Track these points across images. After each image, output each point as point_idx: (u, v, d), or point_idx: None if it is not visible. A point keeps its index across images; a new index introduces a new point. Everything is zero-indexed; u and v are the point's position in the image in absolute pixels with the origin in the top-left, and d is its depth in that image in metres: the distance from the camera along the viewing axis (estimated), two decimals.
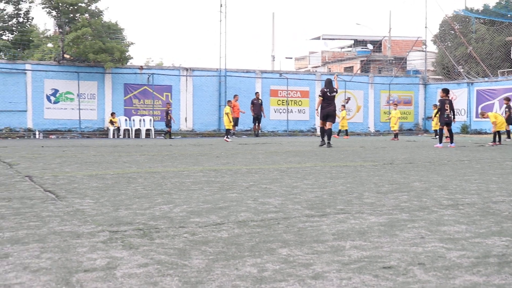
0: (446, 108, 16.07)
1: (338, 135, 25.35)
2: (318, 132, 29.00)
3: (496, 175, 7.30)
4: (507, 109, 21.02)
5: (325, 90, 15.97)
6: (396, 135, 23.54)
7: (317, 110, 16.60)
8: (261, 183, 6.24)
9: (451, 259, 2.84)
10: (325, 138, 15.88)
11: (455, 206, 4.59)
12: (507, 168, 8.47)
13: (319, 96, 16.21)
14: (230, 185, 6.03)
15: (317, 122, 29.93)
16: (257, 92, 27.72)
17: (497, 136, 17.70)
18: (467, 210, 4.39)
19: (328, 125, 15.93)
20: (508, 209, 4.44)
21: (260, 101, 27.07)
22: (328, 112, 15.92)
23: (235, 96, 26.28)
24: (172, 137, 25.12)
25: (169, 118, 25.03)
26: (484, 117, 19.23)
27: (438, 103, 16.92)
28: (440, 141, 16.11)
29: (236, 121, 25.58)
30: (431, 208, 4.48)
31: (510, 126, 20.70)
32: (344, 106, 27.13)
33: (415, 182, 6.38)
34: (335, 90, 16.06)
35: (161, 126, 27.39)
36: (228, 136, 21.27)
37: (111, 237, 3.35)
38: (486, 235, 3.43)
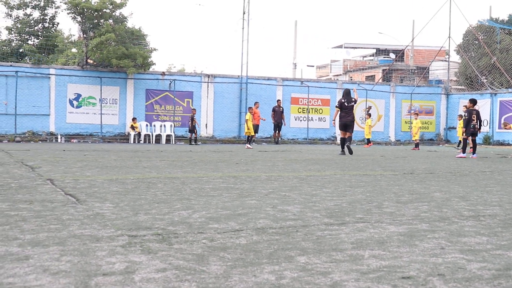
0: (473, 118, 15.98)
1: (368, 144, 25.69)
2: (338, 141, 28.94)
3: None
4: None
5: (343, 100, 16.22)
6: (417, 145, 23.34)
7: (333, 121, 17.10)
8: (280, 191, 6.23)
9: (472, 270, 2.80)
10: (345, 148, 15.99)
11: (476, 218, 4.54)
12: None
13: (336, 107, 16.52)
14: (249, 192, 6.04)
15: (337, 131, 29.89)
16: (279, 100, 27.71)
17: None
18: (488, 222, 4.33)
19: (347, 134, 16.11)
20: None
21: (281, 108, 27.06)
22: (346, 122, 16.12)
23: (255, 103, 26.28)
24: (198, 142, 25.16)
25: (193, 124, 25.11)
26: (506, 128, 19.01)
27: (465, 114, 16.74)
28: (464, 151, 16.00)
29: (256, 128, 25.56)
30: (452, 219, 4.43)
31: None
32: (369, 114, 27.00)
33: (436, 193, 6.32)
34: (353, 100, 16.27)
35: (182, 132, 27.51)
36: (249, 143, 21.29)
37: (130, 241, 3.37)
38: (507, 247, 3.38)
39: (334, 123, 17.07)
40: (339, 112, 16.28)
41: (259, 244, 3.34)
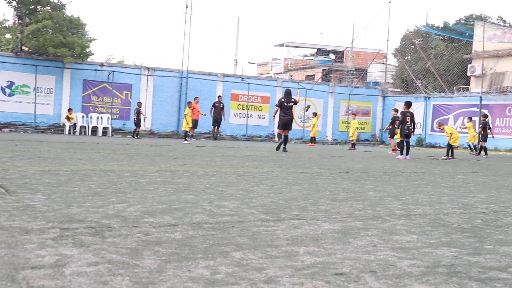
0: (407, 120, 16.47)
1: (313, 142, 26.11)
2: (277, 138, 29.15)
3: (448, 188, 7.46)
4: (481, 126, 21.49)
5: (283, 100, 16.86)
6: (353, 145, 23.83)
7: (273, 117, 18.15)
8: (218, 186, 6.22)
9: (402, 267, 2.88)
10: (282, 144, 16.78)
11: (407, 216, 4.67)
12: (458, 181, 8.68)
13: (276, 105, 17.23)
14: (186, 187, 5.99)
15: (276, 129, 30.12)
16: (220, 96, 27.65)
17: (450, 150, 18.12)
18: (419, 221, 4.46)
19: (285, 132, 16.84)
20: (458, 221, 4.54)
21: (222, 104, 27.03)
22: (286, 121, 16.77)
23: (195, 98, 26.15)
24: (138, 136, 24.88)
25: (139, 117, 24.78)
26: (441, 128, 19.56)
27: (399, 115, 17.37)
28: (401, 153, 16.45)
29: (195, 123, 25.45)
30: (384, 218, 4.54)
31: (486, 142, 21.22)
32: (315, 114, 27.36)
33: (370, 192, 6.47)
34: (293, 100, 16.89)
35: (119, 124, 27.07)
36: (187, 138, 21.16)
37: (61, 234, 3.28)
38: (436, 246, 3.49)
39: (274, 118, 17.87)
40: (278, 110, 16.89)
41: (195, 239, 3.32)
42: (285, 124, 16.78)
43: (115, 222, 3.73)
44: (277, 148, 16.82)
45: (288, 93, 16.94)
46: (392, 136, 21.15)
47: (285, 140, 16.82)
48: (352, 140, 24.14)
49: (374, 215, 4.64)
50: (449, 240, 3.69)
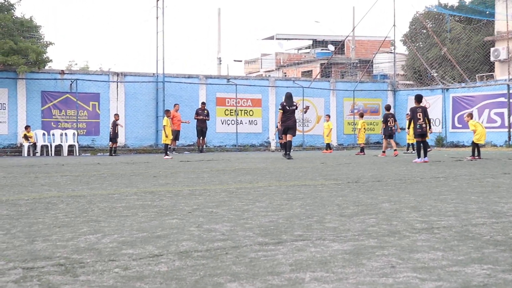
0: (418, 117, 16.39)
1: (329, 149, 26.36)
2: (272, 147, 29.27)
3: (476, 194, 7.48)
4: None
5: (285, 103, 18.48)
6: (362, 149, 23.87)
7: (279, 123, 19.45)
8: (206, 207, 6.21)
9: None
10: (286, 150, 18.39)
11: (429, 230, 4.68)
12: (487, 186, 8.70)
13: (280, 109, 18.76)
14: (169, 210, 5.99)
15: (271, 135, 30.19)
16: (203, 102, 27.67)
17: (476, 149, 18.15)
18: (443, 234, 4.47)
19: (288, 137, 18.48)
20: (489, 233, 4.55)
21: (206, 111, 27.07)
22: (288, 125, 18.45)
23: (175, 105, 26.18)
24: (117, 153, 24.89)
25: (116, 131, 24.80)
26: (466, 120, 19.32)
27: (409, 112, 17.58)
28: (418, 156, 16.42)
29: (176, 135, 25.46)
30: (403, 233, 4.55)
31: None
32: (329, 116, 27.35)
33: (384, 203, 6.48)
34: (295, 104, 18.74)
35: (87, 141, 27.03)
36: (168, 152, 21.16)
37: (25, 275, 3.27)
38: (465, 263, 3.50)
39: (279, 125, 19.22)
40: (282, 115, 18.47)
41: (183, 271, 3.32)
42: (287, 128, 18.41)
43: (88, 257, 3.72)
44: (284, 155, 18.63)
45: (289, 97, 18.63)
46: (389, 137, 22.13)
47: (289, 146, 18.44)
48: (360, 144, 24.20)
49: (390, 231, 4.65)
50: (480, 256, 3.70)
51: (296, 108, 18.90)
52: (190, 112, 27.72)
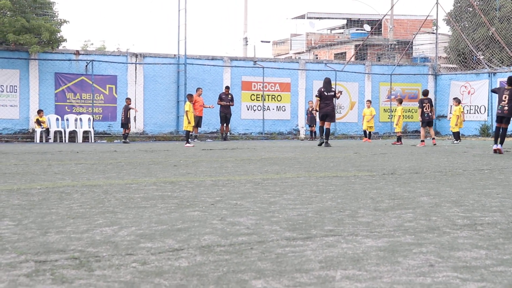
0: (503, 99, 15.76)
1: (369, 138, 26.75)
2: (302, 135, 29.25)
3: None
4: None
5: (322, 89, 19.77)
6: (399, 139, 23.69)
7: (315, 110, 21.18)
8: (230, 199, 6.24)
9: None
10: (324, 137, 19.77)
11: (472, 226, 4.65)
12: None
13: (316, 96, 20.24)
14: (191, 201, 6.02)
15: (300, 122, 30.15)
16: (227, 86, 27.68)
17: None
18: (487, 231, 4.45)
19: (326, 124, 19.78)
20: None
21: (230, 96, 27.07)
22: (326, 112, 19.69)
23: (197, 89, 26.21)
24: (127, 140, 25.02)
25: (128, 116, 24.92)
26: None
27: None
28: (495, 142, 15.55)
29: (198, 121, 25.52)
30: (443, 229, 4.53)
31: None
32: (370, 101, 27.53)
33: (423, 197, 6.45)
34: (333, 90, 20.05)
35: (103, 127, 27.22)
36: (189, 140, 21.24)
37: (37, 268, 3.31)
38: (511, 263, 3.48)
39: (315, 113, 21.11)
40: (319, 102, 19.80)
41: (204, 266, 3.34)
42: (325, 115, 19.65)
43: (104, 250, 3.76)
44: (320, 144, 19.80)
45: (328, 82, 19.94)
46: (428, 124, 22.42)
47: (327, 133, 19.72)
48: (397, 133, 24.03)
49: (429, 227, 4.63)
50: None
51: (335, 95, 19.96)
52: (214, 96, 27.76)
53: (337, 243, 3.98)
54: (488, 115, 30.81)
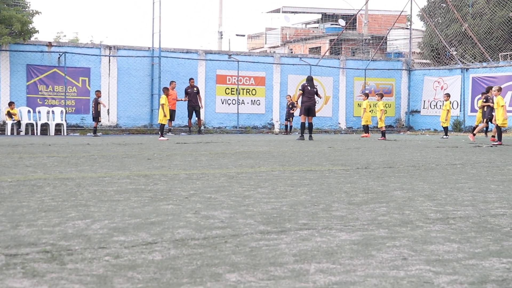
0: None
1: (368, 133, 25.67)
2: (276, 129, 29.30)
3: (495, 183, 7.50)
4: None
5: (306, 84, 20.58)
6: (383, 134, 23.28)
7: (296, 102, 23.02)
8: (204, 192, 6.23)
9: (440, 285, 2.90)
10: (305, 134, 20.44)
11: (445, 220, 4.69)
12: (508, 174, 8.72)
13: (299, 90, 20.95)
14: (164, 195, 6.01)
15: (275, 116, 30.20)
16: (192, 78, 27.37)
17: (497, 133, 18.10)
18: (459, 225, 4.49)
19: (309, 119, 20.48)
20: (509, 224, 4.57)
21: (195, 89, 26.88)
22: (309, 106, 20.37)
23: (171, 82, 26.09)
24: (99, 133, 24.83)
25: (98, 110, 24.75)
26: (496, 95, 18.62)
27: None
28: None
29: (172, 114, 25.43)
30: (416, 223, 4.57)
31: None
32: (367, 95, 25.87)
33: (396, 191, 6.49)
34: (316, 87, 20.95)
35: (76, 120, 27.03)
36: (163, 133, 21.17)
37: (8, 262, 3.28)
38: (483, 256, 3.52)
39: (296, 103, 22.52)
40: (301, 96, 20.48)
41: (178, 260, 3.34)
42: (309, 109, 20.26)
43: (76, 244, 3.74)
44: (301, 138, 20.37)
45: (310, 80, 20.86)
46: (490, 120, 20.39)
47: (310, 127, 20.49)
48: (381, 128, 23.70)
49: (402, 220, 4.66)
50: (499, 249, 3.72)
51: (317, 92, 20.72)
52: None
53: (311, 237, 3.99)
54: (460, 111, 31.08)
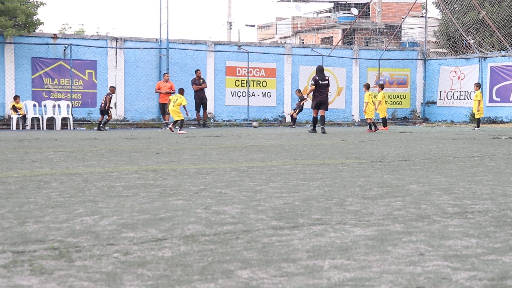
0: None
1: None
2: (288, 121, 29.27)
3: None
4: None
5: (317, 78, 20.26)
6: (370, 126, 22.76)
7: (308, 95, 22.58)
8: (215, 187, 6.24)
9: (459, 281, 2.89)
10: (317, 127, 20.38)
11: (462, 215, 4.68)
12: None
13: (311, 84, 20.77)
14: (174, 190, 6.02)
15: (286, 109, 30.17)
16: (198, 70, 27.24)
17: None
18: (478, 220, 4.47)
19: (321, 112, 20.35)
20: None
21: (202, 80, 26.82)
22: (320, 100, 20.19)
23: (164, 74, 26.28)
24: (106, 127, 24.83)
25: (109, 106, 24.72)
26: None
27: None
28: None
29: (163, 109, 25.54)
30: (433, 217, 4.55)
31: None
32: (382, 86, 25.28)
33: (412, 185, 6.48)
34: (327, 78, 20.49)
35: (83, 114, 27.08)
36: (170, 126, 21.23)
37: (15, 259, 3.30)
38: (502, 251, 3.50)
39: (308, 95, 22.08)
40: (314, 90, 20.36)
41: (189, 256, 3.34)
42: (320, 103, 20.13)
43: (84, 240, 3.75)
44: (312, 131, 20.29)
45: (320, 70, 20.48)
46: None
47: (322, 120, 20.40)
48: (368, 119, 23.13)
49: (418, 215, 4.65)
50: None
51: (329, 83, 20.49)
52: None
53: (325, 232, 3.99)
54: None
